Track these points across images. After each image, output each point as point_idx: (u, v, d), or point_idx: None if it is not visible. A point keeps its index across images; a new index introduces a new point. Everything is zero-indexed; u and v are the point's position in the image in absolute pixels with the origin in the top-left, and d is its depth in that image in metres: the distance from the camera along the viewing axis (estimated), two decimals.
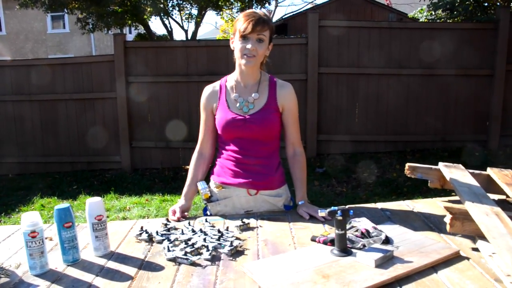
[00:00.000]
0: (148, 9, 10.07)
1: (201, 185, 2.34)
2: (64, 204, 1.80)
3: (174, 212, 2.28)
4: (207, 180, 2.42)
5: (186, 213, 2.33)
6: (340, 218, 1.64)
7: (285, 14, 23.40)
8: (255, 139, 2.28)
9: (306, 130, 7.62)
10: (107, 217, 5.68)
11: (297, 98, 2.37)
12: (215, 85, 2.40)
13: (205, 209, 2.47)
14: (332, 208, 1.68)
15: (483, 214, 1.67)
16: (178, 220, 2.22)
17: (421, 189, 5.81)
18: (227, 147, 2.35)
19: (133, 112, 7.97)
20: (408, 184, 6.09)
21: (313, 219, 2.14)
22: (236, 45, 2.21)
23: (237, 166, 2.32)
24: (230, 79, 2.37)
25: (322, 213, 1.69)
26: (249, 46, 2.15)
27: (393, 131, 7.85)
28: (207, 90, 2.40)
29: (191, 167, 2.43)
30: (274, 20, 26.89)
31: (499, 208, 1.75)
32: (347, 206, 1.74)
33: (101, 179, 7.71)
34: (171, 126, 7.86)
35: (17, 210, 6.32)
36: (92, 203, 1.84)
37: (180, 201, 2.36)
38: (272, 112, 2.29)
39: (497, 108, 7.61)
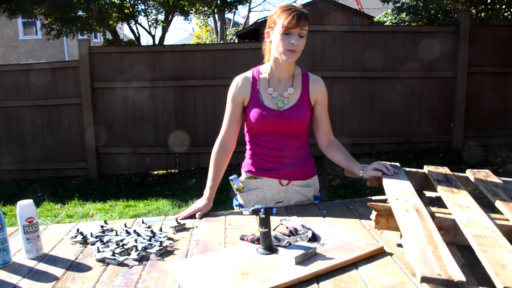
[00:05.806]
0: (114, 15, 10.03)
1: (234, 179, 2.37)
2: None
3: (197, 211, 2.25)
4: (238, 173, 2.45)
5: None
6: (263, 216, 1.66)
7: (259, 19, 23.47)
8: (288, 133, 2.32)
9: None
10: (69, 223, 5.65)
11: None
12: (247, 76, 2.37)
13: (235, 199, 2.49)
14: (256, 206, 1.70)
15: (404, 210, 1.71)
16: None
17: (383, 190, 5.84)
18: (257, 141, 2.37)
19: (99, 118, 7.91)
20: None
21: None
22: (276, 39, 2.20)
23: (268, 159, 2.36)
24: (263, 71, 2.36)
25: (246, 212, 1.71)
26: (293, 41, 2.15)
27: (359, 133, 7.94)
28: (239, 80, 2.36)
29: (213, 162, 2.37)
30: (249, 24, 26.97)
31: (422, 204, 1.79)
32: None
33: (66, 186, 7.63)
34: (138, 131, 7.83)
35: None
36: (22, 206, 1.82)
37: (202, 201, 2.31)
38: (305, 107, 2.33)
39: (460, 109, 7.77)
